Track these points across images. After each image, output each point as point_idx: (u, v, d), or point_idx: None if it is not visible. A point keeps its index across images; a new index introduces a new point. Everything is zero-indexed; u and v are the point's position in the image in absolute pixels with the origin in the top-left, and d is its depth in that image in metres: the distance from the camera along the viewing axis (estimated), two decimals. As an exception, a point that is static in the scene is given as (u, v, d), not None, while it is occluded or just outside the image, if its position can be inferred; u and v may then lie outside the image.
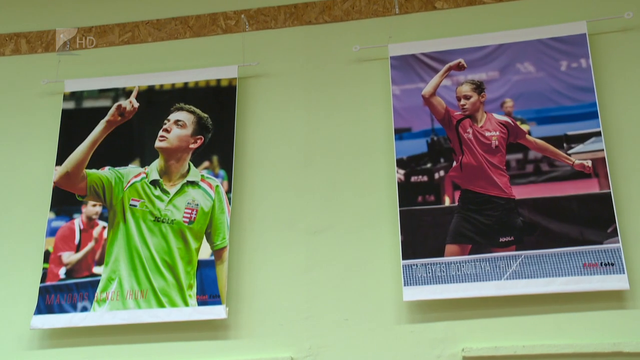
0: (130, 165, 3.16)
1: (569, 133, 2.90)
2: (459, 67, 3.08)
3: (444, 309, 2.78)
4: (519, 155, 2.92)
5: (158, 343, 2.91)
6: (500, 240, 2.80)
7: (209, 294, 2.90)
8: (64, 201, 3.13)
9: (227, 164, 3.10)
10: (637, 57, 3.02)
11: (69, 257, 3.06)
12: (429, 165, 2.98)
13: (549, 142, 2.92)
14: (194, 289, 2.91)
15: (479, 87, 3.04)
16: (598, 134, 2.86)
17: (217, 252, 2.97)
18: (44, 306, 2.98)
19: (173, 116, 3.19)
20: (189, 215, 3.02)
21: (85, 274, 3.02)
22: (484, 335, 2.72)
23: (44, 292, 3.00)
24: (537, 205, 2.82)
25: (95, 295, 2.96)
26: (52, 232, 3.11)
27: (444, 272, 2.78)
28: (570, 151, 2.89)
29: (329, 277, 2.93)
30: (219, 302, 2.88)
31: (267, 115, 3.24)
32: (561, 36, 3.03)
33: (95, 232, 3.08)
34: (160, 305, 2.90)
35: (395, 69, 3.13)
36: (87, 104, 3.33)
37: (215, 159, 3.12)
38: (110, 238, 3.04)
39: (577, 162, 2.86)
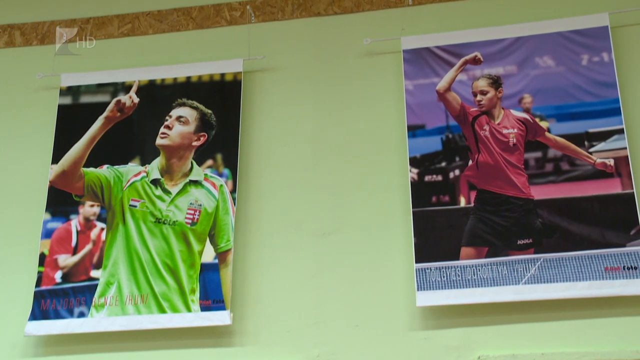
0: (129, 164, 3.14)
1: (590, 130, 2.89)
2: (475, 61, 3.06)
3: (459, 315, 2.76)
4: (538, 154, 2.91)
5: (159, 350, 2.89)
6: (518, 242, 2.78)
7: (212, 298, 2.88)
8: (60, 201, 3.11)
9: (231, 163, 3.09)
10: (662, 51, 3.04)
11: (66, 260, 3.04)
12: (443, 164, 2.96)
13: (569, 139, 2.90)
14: (197, 294, 2.89)
15: (496, 82, 3.02)
16: (621, 131, 2.85)
17: (221, 255, 2.95)
18: (39, 312, 2.95)
19: (175, 112, 3.17)
20: (191, 216, 3.00)
21: (83, 277, 3.00)
22: (501, 342, 2.70)
23: (39, 296, 2.98)
24: (556, 206, 2.80)
25: (93, 300, 2.94)
26: (47, 233, 3.09)
27: (459, 276, 2.76)
28: (591, 149, 2.87)
29: (339, 281, 2.91)
30: (223, 308, 2.86)
31: (274, 111, 3.23)
32: (582, 29, 3.02)
33: (93, 233, 3.06)
34: (162, 310, 2.88)
35: (409, 63, 3.11)
36: (85, 99, 3.31)
37: (219, 157, 3.11)
38: (108, 240, 3.02)
39: (598, 160, 2.84)
